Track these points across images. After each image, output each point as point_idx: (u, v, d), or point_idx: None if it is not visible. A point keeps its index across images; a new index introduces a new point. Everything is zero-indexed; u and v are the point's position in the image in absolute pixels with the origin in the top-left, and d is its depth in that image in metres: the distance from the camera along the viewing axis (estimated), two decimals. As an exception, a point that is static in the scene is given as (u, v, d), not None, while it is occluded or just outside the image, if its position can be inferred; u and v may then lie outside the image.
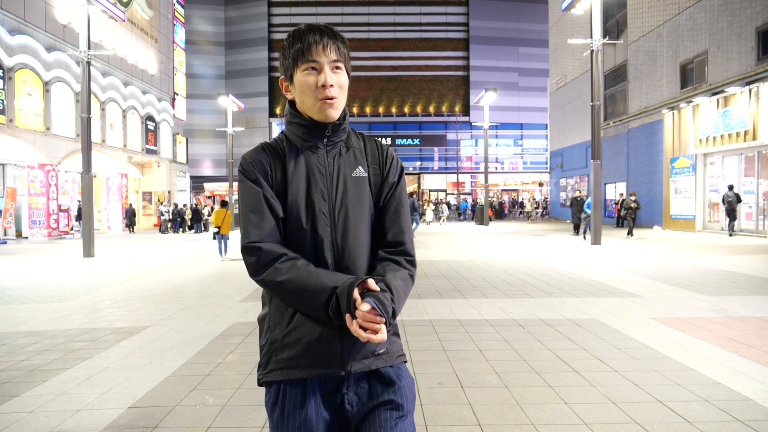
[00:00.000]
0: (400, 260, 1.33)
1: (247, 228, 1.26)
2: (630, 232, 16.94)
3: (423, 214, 28.22)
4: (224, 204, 12.94)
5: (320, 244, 1.29)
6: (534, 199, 41.13)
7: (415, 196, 38.94)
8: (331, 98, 1.29)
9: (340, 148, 1.36)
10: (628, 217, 17.30)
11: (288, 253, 1.26)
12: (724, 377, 3.61)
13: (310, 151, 1.33)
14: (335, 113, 1.31)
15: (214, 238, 12.31)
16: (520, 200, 41.31)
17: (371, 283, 1.20)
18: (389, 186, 1.38)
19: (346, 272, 1.28)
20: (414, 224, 21.81)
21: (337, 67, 1.31)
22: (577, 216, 17.95)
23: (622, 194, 23.56)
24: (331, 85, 1.28)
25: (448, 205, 33.20)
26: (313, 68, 1.28)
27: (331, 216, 1.30)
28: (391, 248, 1.35)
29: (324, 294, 1.19)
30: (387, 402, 1.30)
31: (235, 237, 17.18)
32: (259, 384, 1.32)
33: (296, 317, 1.27)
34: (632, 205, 17.02)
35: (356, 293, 1.17)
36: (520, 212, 37.64)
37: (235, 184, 37.10)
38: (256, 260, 1.24)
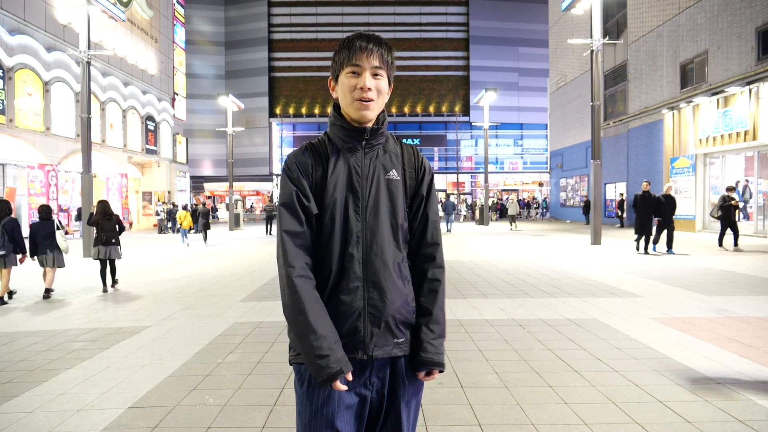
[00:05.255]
0: (439, 276, 1.49)
1: (281, 219, 1.40)
2: (733, 240, 12.00)
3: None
4: (185, 207, 18.29)
5: (350, 239, 1.40)
6: (534, 198, 41.20)
7: None
8: (368, 100, 1.40)
9: (377, 151, 1.48)
10: (724, 221, 11.94)
11: (302, 268, 1.36)
12: (725, 377, 3.61)
13: (350, 153, 1.45)
14: (370, 114, 1.42)
15: (177, 231, 17.50)
16: (504, 201, 36.81)
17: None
18: (424, 191, 1.52)
19: (373, 266, 1.39)
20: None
21: (378, 74, 1.42)
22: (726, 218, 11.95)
23: (622, 194, 23.57)
24: (369, 89, 1.40)
25: (454, 206, 23.48)
26: (356, 72, 1.40)
27: (363, 213, 1.42)
28: (428, 261, 1.50)
29: (316, 351, 1.30)
30: (403, 399, 1.44)
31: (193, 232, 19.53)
32: (290, 363, 1.45)
33: (325, 305, 1.38)
34: (733, 203, 11.76)
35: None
36: (504, 214, 32.71)
37: (235, 184, 37.22)
38: (283, 251, 1.37)
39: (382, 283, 1.39)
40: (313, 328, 1.30)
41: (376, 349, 1.38)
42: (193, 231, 21.37)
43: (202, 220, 16.90)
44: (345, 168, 1.43)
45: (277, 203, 1.44)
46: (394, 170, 1.46)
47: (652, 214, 11.81)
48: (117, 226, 7.90)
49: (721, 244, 12.31)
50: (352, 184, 1.42)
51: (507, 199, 40.28)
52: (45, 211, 7.36)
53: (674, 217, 11.85)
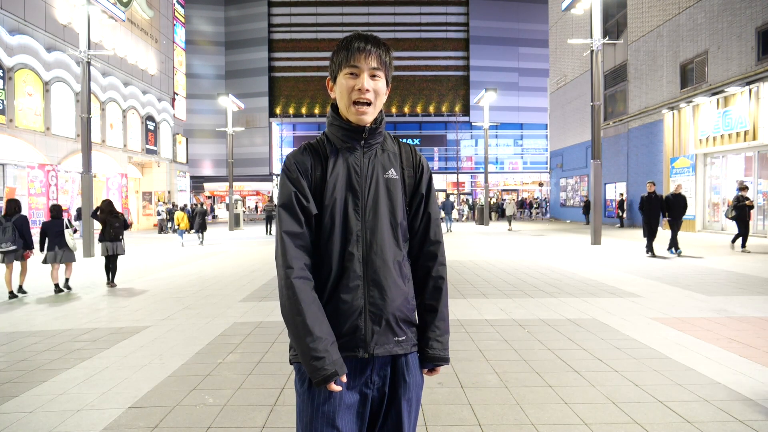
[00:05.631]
0: (442, 273, 1.52)
1: (281, 220, 1.40)
2: (741, 242, 11.72)
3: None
4: (182, 209, 18.90)
5: (350, 238, 1.40)
6: (534, 198, 41.15)
7: None
8: (366, 102, 1.41)
9: (375, 150, 1.48)
10: (739, 221, 11.53)
11: (301, 269, 1.36)
12: (724, 377, 3.61)
13: (348, 152, 1.45)
14: (368, 117, 1.43)
15: (175, 231, 18.29)
16: (500, 201, 35.42)
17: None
18: (424, 189, 1.53)
19: (374, 265, 1.40)
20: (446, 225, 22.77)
21: (376, 75, 1.42)
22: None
23: (622, 194, 23.57)
24: (367, 90, 1.40)
25: (453, 205, 24.00)
26: (354, 73, 1.41)
27: (362, 213, 1.42)
28: (431, 259, 1.51)
29: (312, 353, 1.30)
30: (404, 397, 1.44)
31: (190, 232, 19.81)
32: (291, 363, 1.45)
33: (325, 304, 1.39)
34: (747, 202, 11.39)
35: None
36: (500, 215, 31.25)
37: (235, 184, 37.21)
38: (282, 251, 1.37)
39: (382, 281, 1.39)
40: (309, 329, 1.30)
41: (377, 347, 1.39)
42: (192, 231, 21.55)
43: (198, 220, 17.33)
44: (344, 167, 1.43)
45: (276, 203, 1.47)
46: (392, 169, 1.47)
47: (659, 216, 11.36)
48: (123, 224, 8.55)
49: (733, 243, 12.14)
50: (352, 184, 1.42)
51: (505, 199, 40.22)
52: (56, 211, 7.85)
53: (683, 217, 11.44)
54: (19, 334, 5.25)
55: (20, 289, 7.46)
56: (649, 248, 11.40)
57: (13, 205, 7.36)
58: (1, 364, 4.21)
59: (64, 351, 4.58)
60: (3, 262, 7.18)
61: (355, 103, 1.40)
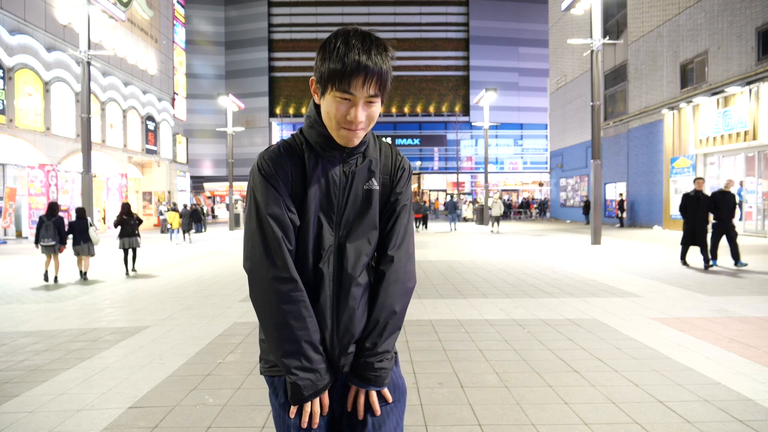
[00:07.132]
0: (391, 282, 1.34)
1: (273, 228, 1.26)
2: None
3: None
4: (175, 210, 19.39)
5: (321, 253, 1.29)
6: (533, 198, 41.14)
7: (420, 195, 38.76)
8: (356, 131, 1.25)
9: (357, 159, 1.34)
10: None
11: (298, 283, 1.25)
12: (724, 377, 3.61)
13: (327, 160, 1.30)
14: (356, 141, 1.28)
15: (165, 231, 19.79)
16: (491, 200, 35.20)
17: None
18: (393, 199, 1.38)
19: (346, 283, 1.29)
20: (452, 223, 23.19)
21: (372, 101, 1.24)
22: None
23: (621, 194, 23.58)
24: (361, 121, 1.23)
25: (455, 205, 23.73)
26: (347, 99, 1.21)
27: (336, 227, 1.31)
28: (387, 273, 1.34)
29: (313, 362, 1.24)
30: (372, 419, 1.32)
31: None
32: (261, 374, 1.37)
33: None
34: None
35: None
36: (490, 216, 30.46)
37: (236, 183, 37.25)
38: (278, 253, 1.24)
39: (351, 301, 1.29)
40: (310, 336, 1.24)
41: (346, 367, 1.32)
42: (193, 232, 21.65)
43: (185, 220, 18.30)
44: (322, 176, 1.29)
45: (259, 209, 1.26)
46: (373, 179, 1.34)
47: (707, 220, 9.40)
48: (138, 222, 10.08)
49: None
50: (328, 195, 1.30)
51: (491, 198, 39.59)
52: (81, 212, 9.41)
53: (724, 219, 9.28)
54: (19, 334, 5.25)
55: (55, 280, 8.79)
56: (684, 255, 9.74)
57: (55, 207, 9.01)
58: (1, 364, 4.21)
59: (64, 351, 4.58)
60: (43, 253, 8.67)
61: (344, 128, 1.24)
